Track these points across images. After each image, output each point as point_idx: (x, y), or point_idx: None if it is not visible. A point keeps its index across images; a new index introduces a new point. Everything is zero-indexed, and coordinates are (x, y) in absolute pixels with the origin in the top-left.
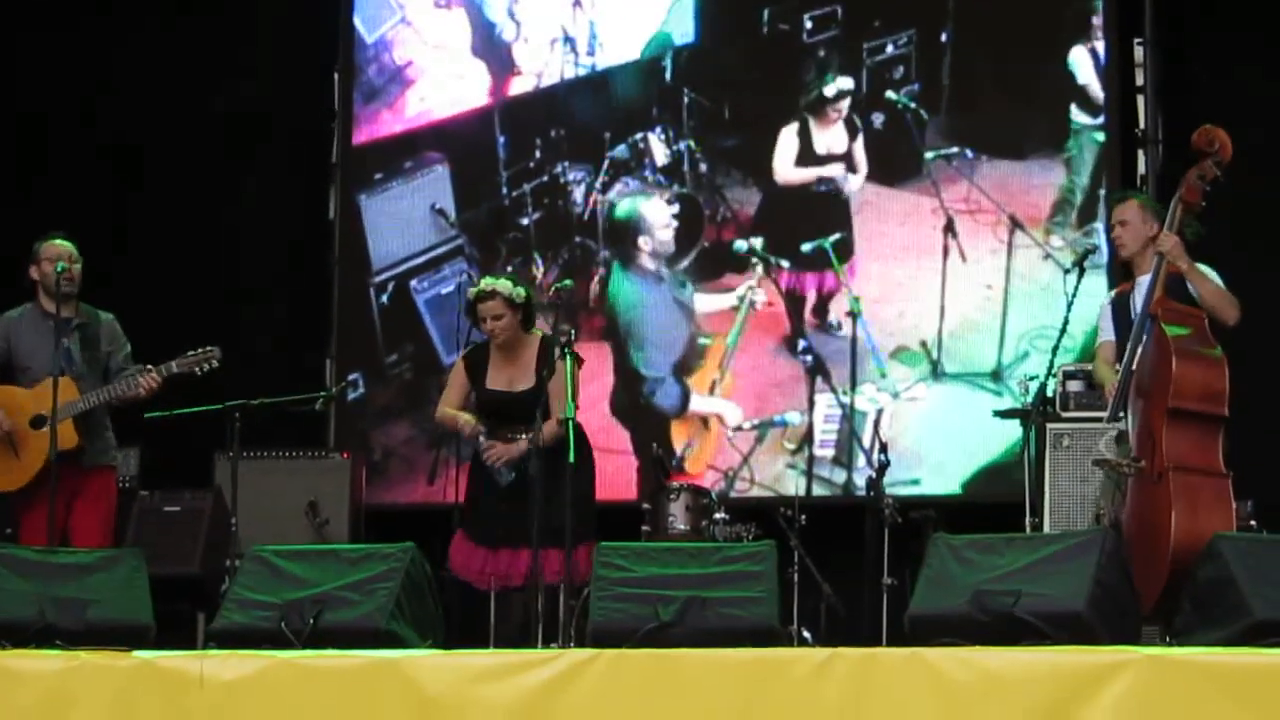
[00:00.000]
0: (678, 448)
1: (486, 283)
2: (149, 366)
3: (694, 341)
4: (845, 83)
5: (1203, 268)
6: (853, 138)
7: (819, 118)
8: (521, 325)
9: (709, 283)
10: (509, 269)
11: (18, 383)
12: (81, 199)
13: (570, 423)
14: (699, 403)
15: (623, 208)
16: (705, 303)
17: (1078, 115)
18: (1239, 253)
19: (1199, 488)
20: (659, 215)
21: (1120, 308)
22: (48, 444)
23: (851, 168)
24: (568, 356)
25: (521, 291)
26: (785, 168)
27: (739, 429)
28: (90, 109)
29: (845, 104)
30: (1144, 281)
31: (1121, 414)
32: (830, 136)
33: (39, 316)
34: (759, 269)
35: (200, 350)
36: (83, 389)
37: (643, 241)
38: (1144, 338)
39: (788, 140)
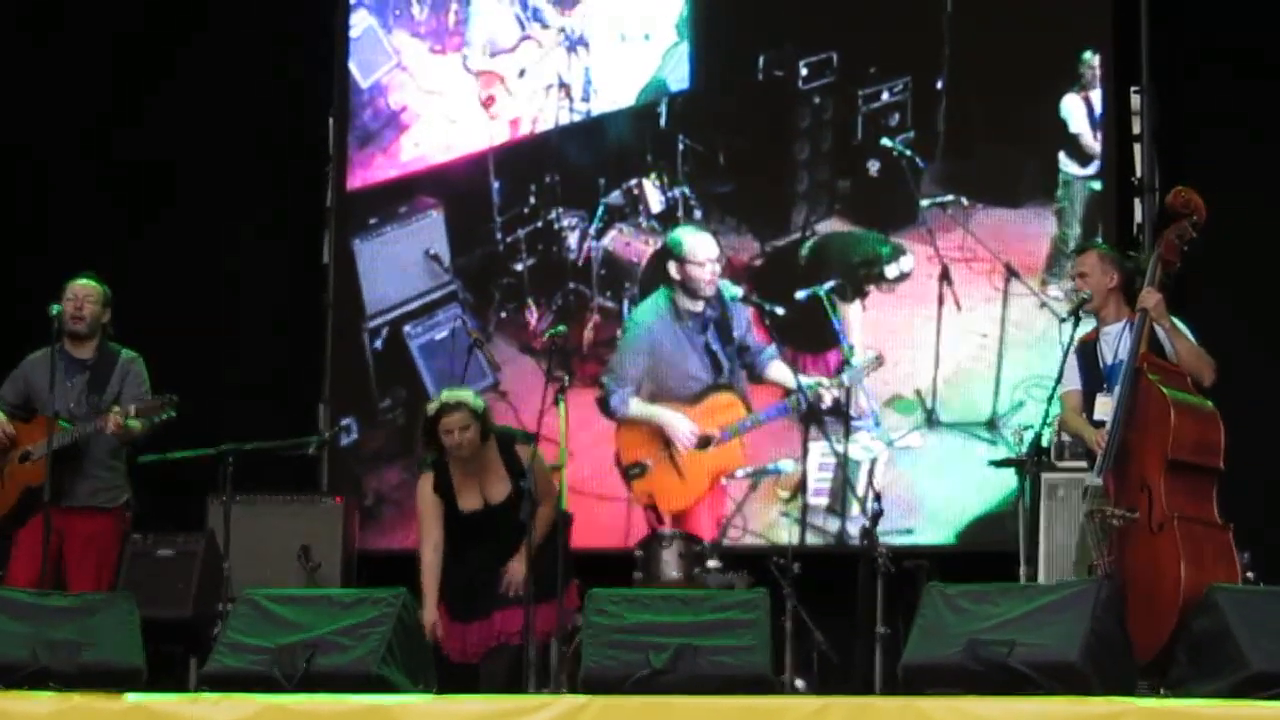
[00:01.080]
0: (625, 462)
1: (448, 395)
2: (117, 408)
3: (711, 390)
4: (907, 264)
5: (1179, 325)
6: None
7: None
8: (481, 437)
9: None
10: (502, 315)
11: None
12: (80, 239)
13: (563, 469)
14: (639, 408)
15: (676, 233)
16: (777, 372)
17: (1066, 164)
18: (1226, 303)
19: (1202, 538)
20: (700, 250)
21: (1086, 356)
22: (26, 478)
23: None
24: (560, 400)
25: (481, 403)
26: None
27: (732, 476)
28: (89, 149)
29: (901, 286)
30: (1110, 331)
31: (1107, 467)
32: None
33: (59, 356)
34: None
35: (160, 398)
36: (58, 427)
37: (672, 267)
38: (1130, 392)
39: (855, 318)
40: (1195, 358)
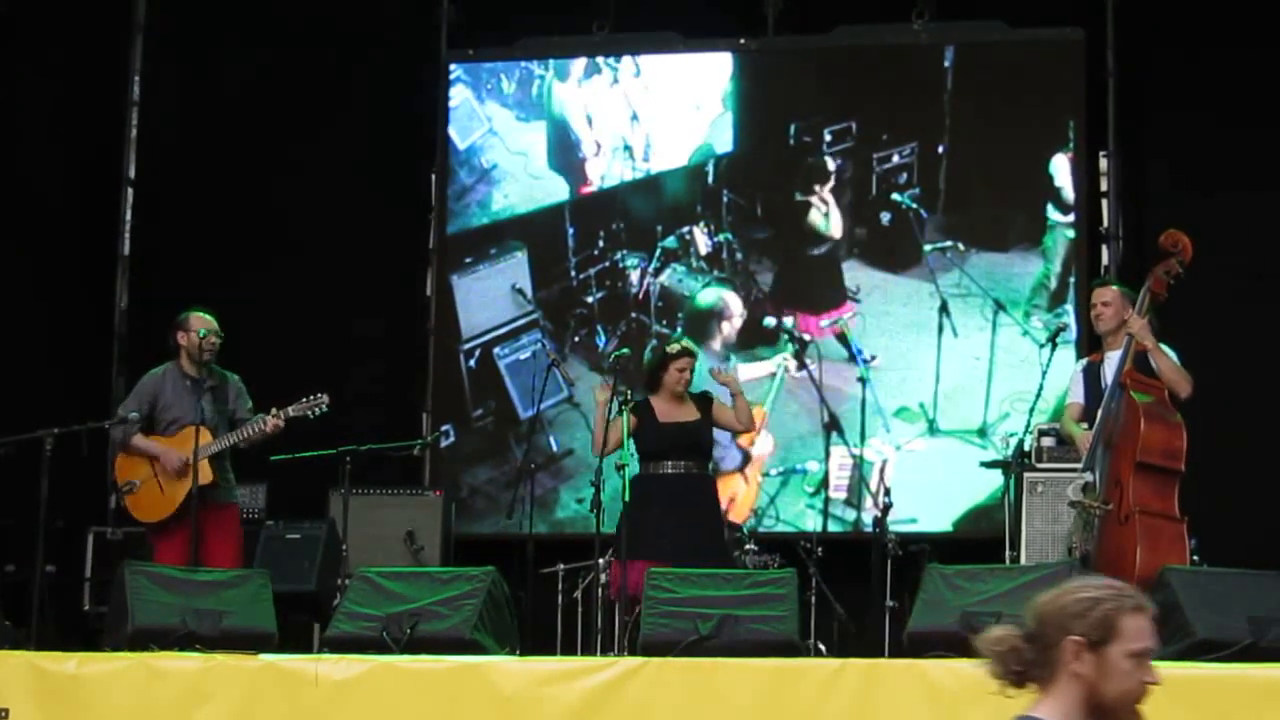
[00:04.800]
0: (723, 501)
1: (687, 343)
2: (274, 410)
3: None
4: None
5: (1164, 348)
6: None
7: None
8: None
9: (746, 353)
10: (575, 339)
11: (157, 433)
12: (222, 274)
13: (627, 471)
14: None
15: (706, 298)
16: (745, 372)
17: (1052, 214)
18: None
19: (1159, 529)
20: (736, 306)
21: (1091, 375)
22: (188, 482)
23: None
24: (624, 411)
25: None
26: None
27: (767, 474)
28: (236, 199)
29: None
30: (1114, 356)
31: (1093, 465)
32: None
33: (179, 376)
34: (786, 344)
35: (312, 397)
36: (215, 437)
37: (725, 327)
38: (1114, 403)
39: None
40: (1174, 374)
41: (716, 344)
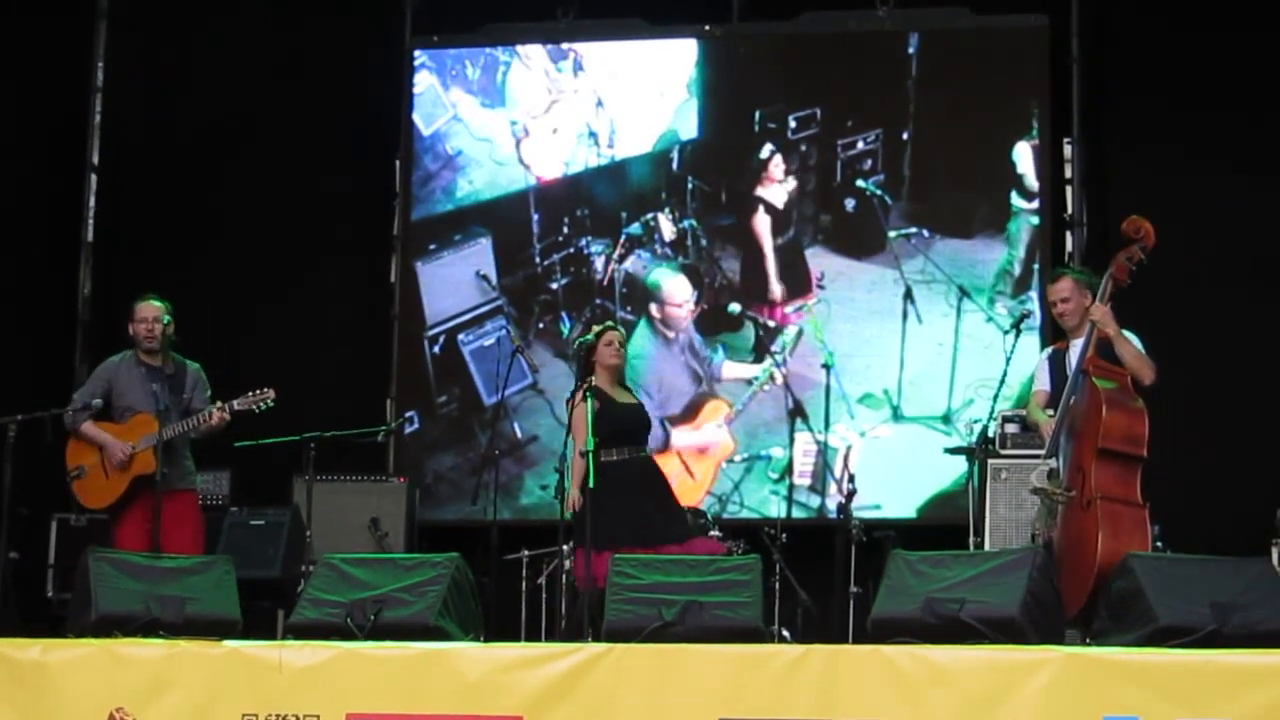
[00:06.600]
0: None
1: (608, 322)
2: (220, 403)
3: (697, 399)
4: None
5: (1128, 334)
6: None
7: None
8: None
9: (739, 359)
10: (540, 325)
11: (112, 419)
12: (186, 260)
13: (590, 455)
14: (678, 438)
15: (652, 276)
16: (730, 370)
17: (1016, 200)
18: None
19: (1121, 515)
20: (676, 290)
21: (1056, 363)
22: (134, 469)
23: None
24: (589, 398)
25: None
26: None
27: (731, 461)
28: (201, 185)
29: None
30: (1078, 343)
31: (1056, 452)
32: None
33: (134, 363)
34: (778, 356)
35: (258, 391)
36: (164, 425)
37: (654, 308)
38: (1077, 390)
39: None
40: (1137, 361)
41: (659, 325)
